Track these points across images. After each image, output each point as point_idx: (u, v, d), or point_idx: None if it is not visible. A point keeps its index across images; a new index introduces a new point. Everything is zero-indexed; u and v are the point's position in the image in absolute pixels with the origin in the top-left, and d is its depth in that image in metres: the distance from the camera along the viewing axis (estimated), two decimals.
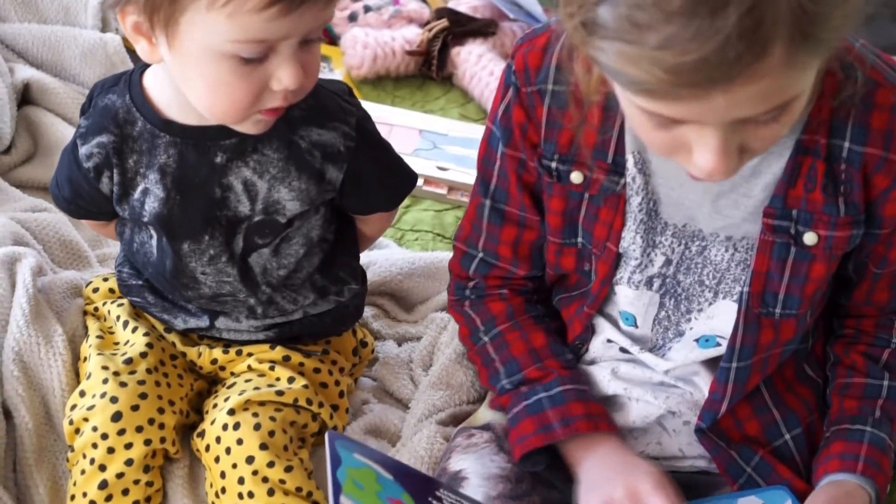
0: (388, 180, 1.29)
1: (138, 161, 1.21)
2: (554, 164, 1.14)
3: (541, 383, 1.20)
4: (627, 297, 1.18)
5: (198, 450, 1.28)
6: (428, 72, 2.07)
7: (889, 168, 1.06)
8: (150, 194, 1.21)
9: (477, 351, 1.26)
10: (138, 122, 1.20)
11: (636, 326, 1.20)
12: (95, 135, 1.21)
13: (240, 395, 1.26)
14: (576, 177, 1.13)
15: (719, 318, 1.16)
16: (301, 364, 1.32)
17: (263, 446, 1.22)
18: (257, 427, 1.23)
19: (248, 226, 1.23)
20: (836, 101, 1.03)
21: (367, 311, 1.54)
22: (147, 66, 1.21)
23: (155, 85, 1.20)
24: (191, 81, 1.11)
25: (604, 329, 1.22)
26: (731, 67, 0.83)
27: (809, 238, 1.09)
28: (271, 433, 1.23)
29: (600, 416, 1.18)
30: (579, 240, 1.18)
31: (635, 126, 0.98)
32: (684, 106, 0.88)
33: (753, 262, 1.11)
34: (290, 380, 1.30)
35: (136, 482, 1.23)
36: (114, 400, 1.23)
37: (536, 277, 1.26)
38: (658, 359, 1.20)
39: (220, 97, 1.10)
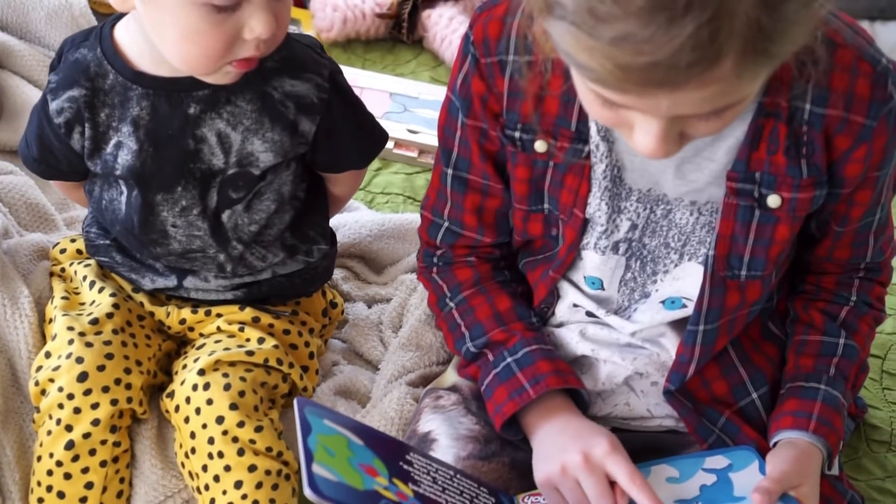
0: (360, 136, 1.29)
1: (110, 115, 1.20)
2: (517, 134, 1.14)
3: (505, 347, 1.20)
4: (594, 262, 1.18)
5: (167, 410, 1.28)
6: (398, 35, 2.06)
7: (850, 129, 1.06)
8: (124, 147, 1.21)
9: (444, 317, 1.26)
10: (110, 74, 1.19)
11: (602, 289, 1.20)
12: (66, 89, 1.20)
13: (209, 355, 1.26)
14: (540, 145, 1.13)
15: (685, 280, 1.16)
16: (271, 325, 1.32)
17: (233, 406, 1.22)
18: (227, 387, 1.23)
19: (222, 179, 1.22)
20: (796, 64, 1.03)
21: (337, 273, 1.54)
22: (118, 19, 1.20)
23: (126, 37, 1.19)
24: (163, 30, 1.11)
25: (568, 293, 1.22)
26: (680, 74, 0.84)
27: (773, 201, 1.09)
28: (241, 393, 1.23)
29: (568, 372, 1.18)
30: (546, 206, 1.18)
31: (582, 99, 0.98)
32: (630, 98, 0.89)
33: (718, 225, 1.11)
34: (260, 340, 1.29)
35: (104, 442, 1.22)
36: (79, 360, 1.22)
37: (504, 244, 1.26)
38: (624, 321, 1.21)
39: (191, 46, 1.10)
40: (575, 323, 1.23)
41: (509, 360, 1.19)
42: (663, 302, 1.19)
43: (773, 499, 1.06)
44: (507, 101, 1.13)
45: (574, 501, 1.10)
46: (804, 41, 0.91)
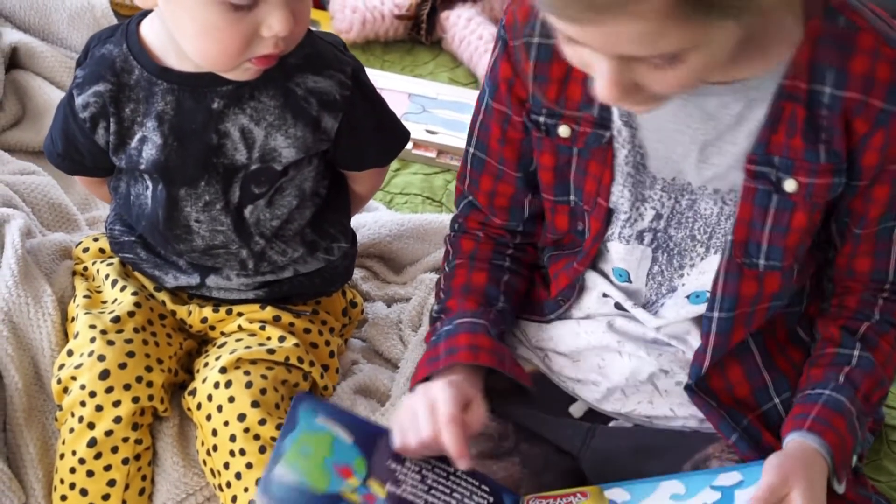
0: (382, 134, 1.30)
1: (135, 110, 1.22)
2: (542, 119, 1.15)
3: (449, 316, 1.22)
4: (619, 252, 1.18)
5: (189, 408, 1.28)
6: (417, 36, 2.06)
7: (868, 112, 1.05)
8: (148, 142, 1.22)
9: (439, 281, 1.29)
10: (135, 70, 1.21)
11: (630, 282, 1.20)
12: (92, 84, 1.22)
13: (231, 353, 1.27)
14: (563, 130, 1.14)
15: (710, 274, 1.16)
16: (291, 324, 1.33)
17: (255, 404, 1.23)
18: (249, 385, 1.24)
19: (244, 174, 1.23)
20: (815, 46, 1.04)
21: (357, 273, 1.55)
22: (144, 15, 1.22)
23: (151, 33, 1.20)
24: (182, 27, 1.12)
25: (597, 284, 1.22)
26: (602, 3, 0.86)
27: (790, 185, 1.08)
28: (263, 391, 1.24)
29: (486, 349, 1.18)
30: (571, 198, 1.18)
31: (557, 37, 1.01)
32: (575, 29, 0.91)
33: (737, 209, 1.11)
34: (281, 339, 1.30)
35: (125, 440, 1.23)
36: (101, 358, 1.23)
37: (517, 233, 1.27)
38: (650, 315, 1.20)
39: (210, 43, 1.11)
40: (603, 315, 1.24)
41: (444, 328, 1.20)
42: (688, 297, 1.18)
43: None
44: (533, 84, 1.14)
45: (413, 431, 1.09)
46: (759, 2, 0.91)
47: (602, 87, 0.96)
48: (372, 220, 1.61)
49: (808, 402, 1.14)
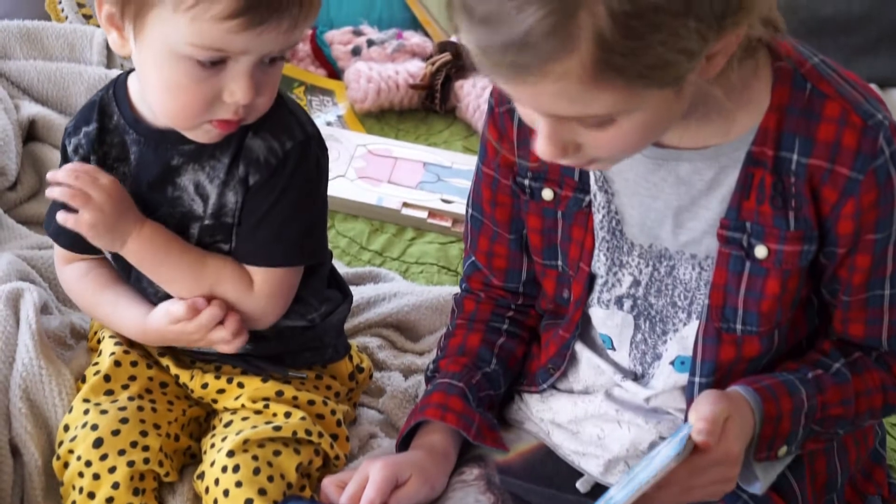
0: (284, 226, 1.22)
1: (108, 153, 1.23)
2: (527, 182, 1.18)
3: (437, 376, 1.25)
4: (599, 317, 1.19)
5: (198, 492, 1.26)
6: (431, 105, 2.07)
7: (835, 180, 1.05)
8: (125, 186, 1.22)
9: (441, 339, 1.32)
10: (115, 115, 1.23)
11: (614, 349, 1.20)
12: (82, 126, 1.25)
13: (237, 434, 1.24)
14: (547, 194, 1.17)
15: (692, 339, 1.15)
16: (295, 398, 1.31)
17: (262, 491, 1.20)
18: (257, 471, 1.21)
19: (200, 226, 1.23)
20: (783, 114, 1.04)
21: (373, 342, 1.53)
22: None
23: (134, 84, 1.22)
24: (149, 78, 1.14)
25: (584, 355, 1.22)
26: (522, 62, 0.89)
27: (760, 251, 1.08)
28: (270, 478, 1.22)
29: (455, 411, 1.20)
30: (559, 262, 1.20)
31: None
32: (509, 88, 0.95)
33: (713, 274, 1.11)
34: (287, 414, 1.28)
35: None
36: (94, 427, 1.23)
37: (519, 294, 1.28)
38: (639, 387, 1.19)
39: (172, 98, 1.12)
40: (601, 385, 1.22)
41: (427, 388, 1.24)
42: (672, 363, 1.17)
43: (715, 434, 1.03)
44: (518, 149, 1.16)
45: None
46: (674, 66, 0.91)
47: (539, 144, 0.99)
48: (390, 292, 1.59)
49: (768, 375, 1.11)
